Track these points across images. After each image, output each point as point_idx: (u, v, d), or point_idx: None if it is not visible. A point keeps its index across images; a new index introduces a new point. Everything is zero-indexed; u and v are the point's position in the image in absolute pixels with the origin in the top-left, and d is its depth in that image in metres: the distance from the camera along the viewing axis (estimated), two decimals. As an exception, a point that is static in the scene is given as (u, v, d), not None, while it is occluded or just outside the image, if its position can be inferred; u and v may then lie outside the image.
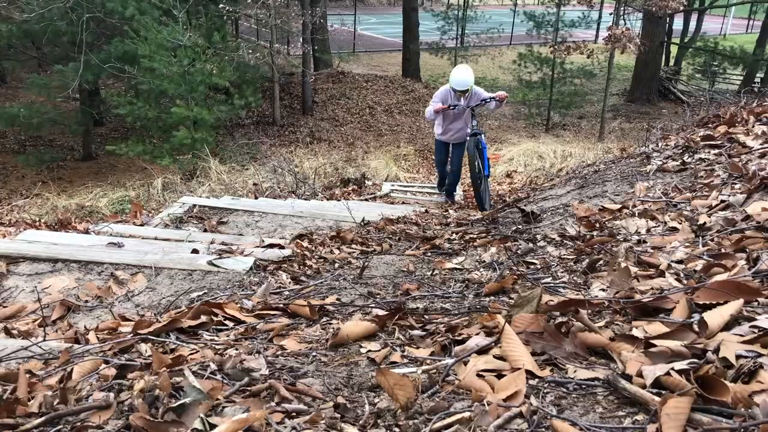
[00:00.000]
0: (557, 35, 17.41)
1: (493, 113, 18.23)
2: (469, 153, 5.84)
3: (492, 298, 2.02)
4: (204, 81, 11.60)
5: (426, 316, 1.79)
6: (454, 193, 6.97)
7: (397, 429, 1.14)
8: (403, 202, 6.72)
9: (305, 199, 6.26)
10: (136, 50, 11.19)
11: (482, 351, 1.38)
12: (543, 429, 1.08)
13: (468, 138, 6.01)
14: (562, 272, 2.21)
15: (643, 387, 1.14)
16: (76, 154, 14.32)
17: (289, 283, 2.55)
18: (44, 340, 1.75)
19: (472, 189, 6.22)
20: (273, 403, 1.22)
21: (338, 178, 9.35)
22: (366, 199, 6.80)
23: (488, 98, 6.10)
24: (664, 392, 1.10)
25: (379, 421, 1.17)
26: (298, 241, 3.40)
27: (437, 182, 7.39)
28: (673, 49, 21.31)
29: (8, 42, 12.41)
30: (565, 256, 2.43)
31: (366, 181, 8.56)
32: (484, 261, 2.65)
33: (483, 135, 6.00)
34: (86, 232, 3.69)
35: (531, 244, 2.74)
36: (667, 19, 18.08)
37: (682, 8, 15.10)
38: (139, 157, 11.61)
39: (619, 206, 2.97)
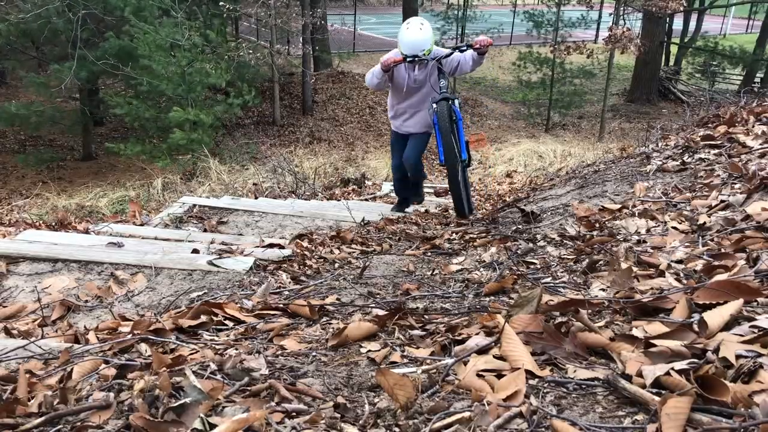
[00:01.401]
0: (557, 35, 17.44)
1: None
2: (440, 125, 3.92)
3: (492, 298, 2.02)
4: (202, 81, 11.60)
5: (426, 316, 1.79)
6: (410, 200, 4.91)
7: (397, 429, 1.14)
8: (403, 202, 6.71)
9: (305, 199, 6.26)
10: (132, 47, 11.18)
11: (482, 351, 1.38)
12: (543, 429, 1.08)
13: (434, 106, 3.98)
14: (562, 272, 2.21)
15: (643, 387, 1.14)
16: (76, 154, 14.33)
17: (289, 283, 2.55)
18: (42, 338, 1.75)
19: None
20: (273, 403, 1.22)
21: (338, 178, 9.35)
22: (366, 199, 6.80)
23: (464, 47, 4.16)
24: (664, 392, 1.10)
25: (379, 421, 1.17)
26: (298, 241, 3.40)
27: (396, 200, 4.99)
28: (673, 49, 21.33)
29: (7, 41, 12.41)
30: (565, 256, 2.43)
31: (366, 181, 8.57)
32: (484, 261, 2.65)
33: (457, 101, 4.14)
34: (86, 232, 3.69)
35: (531, 244, 2.74)
36: (667, 19, 18.09)
37: (682, 8, 15.12)
38: (137, 157, 11.62)
39: (619, 206, 2.97)
